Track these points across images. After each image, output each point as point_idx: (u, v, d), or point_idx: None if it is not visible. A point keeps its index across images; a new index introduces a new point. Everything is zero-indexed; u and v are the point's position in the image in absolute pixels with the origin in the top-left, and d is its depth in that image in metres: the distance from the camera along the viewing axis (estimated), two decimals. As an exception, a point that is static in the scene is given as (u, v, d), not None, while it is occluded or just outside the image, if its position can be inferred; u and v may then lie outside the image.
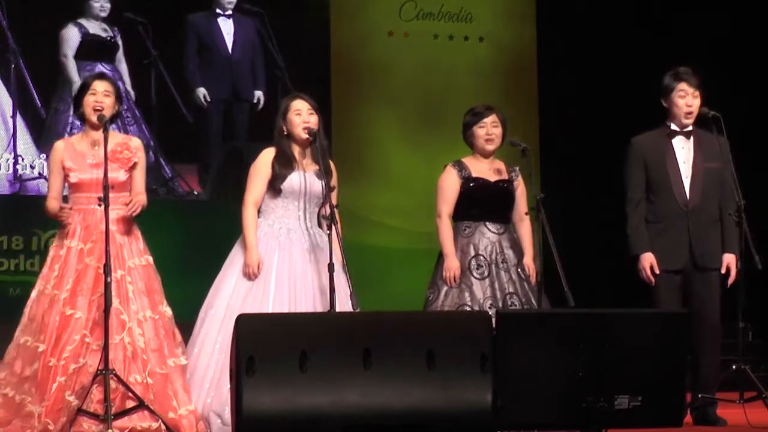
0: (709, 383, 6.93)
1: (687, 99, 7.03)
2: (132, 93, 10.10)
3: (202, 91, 10.24)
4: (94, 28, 10.05)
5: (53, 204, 6.51)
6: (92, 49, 10.01)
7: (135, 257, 6.49)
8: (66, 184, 6.55)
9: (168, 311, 6.50)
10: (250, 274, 6.55)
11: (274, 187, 6.64)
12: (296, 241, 6.62)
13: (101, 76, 6.67)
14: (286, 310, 6.45)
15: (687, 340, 5.56)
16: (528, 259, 6.96)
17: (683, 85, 7.04)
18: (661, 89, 7.10)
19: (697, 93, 7.05)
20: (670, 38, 10.33)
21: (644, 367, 5.45)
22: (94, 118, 6.46)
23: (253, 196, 6.65)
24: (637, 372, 5.44)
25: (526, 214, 6.96)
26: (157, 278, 6.54)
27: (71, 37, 9.93)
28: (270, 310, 6.45)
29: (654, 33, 10.59)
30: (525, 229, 7.01)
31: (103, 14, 10.06)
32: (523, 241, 7.01)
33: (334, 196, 6.64)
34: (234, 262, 6.63)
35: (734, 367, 6.89)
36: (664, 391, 5.48)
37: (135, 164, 6.53)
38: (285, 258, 6.58)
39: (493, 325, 5.44)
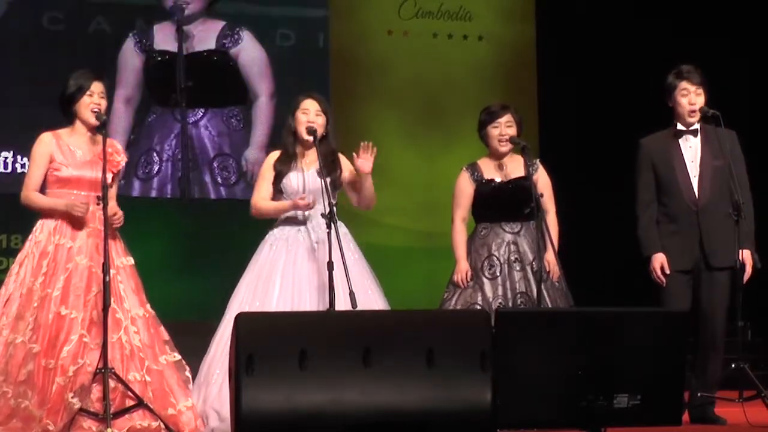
0: (710, 383, 6.92)
1: (690, 97, 7.00)
2: None
3: None
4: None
5: (39, 196, 6.42)
6: None
7: (122, 257, 6.51)
8: (44, 178, 6.47)
9: (151, 310, 6.52)
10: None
11: (275, 187, 6.76)
12: (302, 240, 6.71)
13: (98, 77, 6.58)
14: (289, 308, 6.49)
15: (686, 339, 5.55)
16: (549, 255, 6.81)
17: (685, 84, 7.00)
18: (664, 89, 7.07)
19: (700, 90, 7.01)
20: (670, 37, 10.33)
21: (644, 365, 5.44)
22: (92, 119, 6.45)
23: (257, 198, 6.79)
24: (636, 371, 5.43)
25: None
26: (139, 278, 6.56)
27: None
28: (274, 308, 6.49)
29: (654, 31, 10.58)
30: (547, 223, 6.75)
31: None
32: (545, 235, 6.74)
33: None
34: (249, 264, 6.76)
35: (733, 365, 6.88)
36: (664, 389, 5.47)
37: (120, 169, 6.56)
38: (291, 257, 6.67)
39: (493, 324, 5.44)
